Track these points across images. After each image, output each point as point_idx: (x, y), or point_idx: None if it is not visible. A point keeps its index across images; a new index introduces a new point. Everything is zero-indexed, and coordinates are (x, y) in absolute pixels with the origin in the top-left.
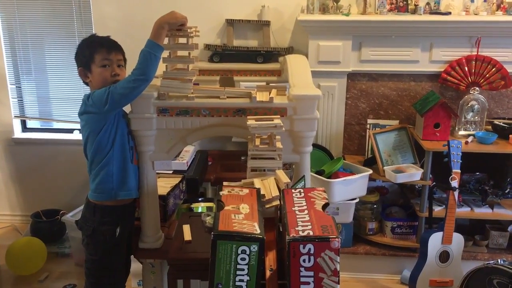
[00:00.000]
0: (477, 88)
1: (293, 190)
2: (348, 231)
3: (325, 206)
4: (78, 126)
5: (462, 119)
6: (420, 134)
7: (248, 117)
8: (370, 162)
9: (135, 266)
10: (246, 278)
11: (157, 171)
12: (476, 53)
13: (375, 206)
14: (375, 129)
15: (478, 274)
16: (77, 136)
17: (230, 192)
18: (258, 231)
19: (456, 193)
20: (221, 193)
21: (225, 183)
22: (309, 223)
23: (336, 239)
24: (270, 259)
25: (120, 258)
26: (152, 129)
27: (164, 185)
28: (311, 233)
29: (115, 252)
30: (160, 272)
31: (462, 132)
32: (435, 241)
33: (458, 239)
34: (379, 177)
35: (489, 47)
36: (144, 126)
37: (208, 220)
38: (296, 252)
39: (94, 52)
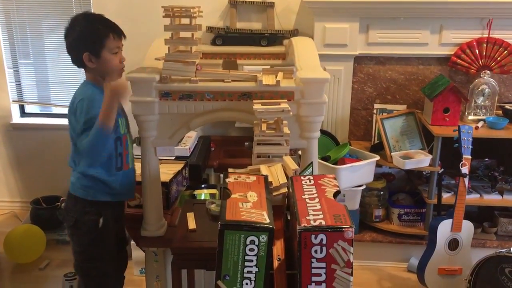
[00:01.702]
0: (488, 72)
1: (302, 177)
2: (354, 218)
3: (336, 194)
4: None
5: (472, 104)
6: (428, 119)
7: (254, 101)
8: (377, 148)
9: (137, 253)
10: (254, 269)
11: (159, 157)
12: (487, 35)
13: (381, 192)
14: (382, 114)
15: (489, 262)
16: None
17: (237, 179)
18: (268, 221)
19: (466, 180)
20: (227, 180)
21: (230, 170)
22: (321, 212)
23: (350, 229)
24: (278, 248)
25: (107, 249)
26: (154, 114)
27: (166, 172)
28: (323, 223)
29: (101, 243)
30: (163, 260)
31: (472, 117)
32: (444, 229)
33: (467, 226)
34: (386, 163)
35: (501, 29)
36: (145, 111)
37: (213, 208)
38: (307, 243)
39: (107, 38)
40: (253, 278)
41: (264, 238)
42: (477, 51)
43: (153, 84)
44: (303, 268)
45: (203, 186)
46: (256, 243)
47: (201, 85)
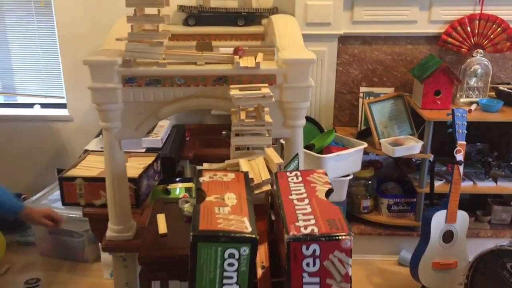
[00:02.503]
0: (480, 51)
1: (288, 174)
2: None
3: (328, 193)
4: (40, 100)
5: (464, 85)
6: (418, 102)
7: (231, 86)
8: (364, 135)
9: (107, 255)
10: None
11: (126, 151)
12: (480, 11)
13: (369, 182)
14: (369, 98)
15: (489, 256)
16: (39, 111)
17: (213, 178)
18: (250, 229)
19: (461, 167)
20: (201, 179)
21: (205, 166)
22: (312, 216)
23: (348, 237)
24: (262, 254)
25: None
26: (117, 102)
27: (135, 166)
28: (316, 230)
29: None
30: (134, 266)
31: (464, 100)
32: (438, 220)
33: (462, 217)
34: (375, 150)
35: (494, 4)
36: (107, 99)
37: (187, 208)
38: (297, 255)
39: None
40: None
41: (245, 250)
42: (469, 28)
43: (115, 68)
44: (293, 284)
45: (177, 179)
46: (237, 256)
47: (171, 68)
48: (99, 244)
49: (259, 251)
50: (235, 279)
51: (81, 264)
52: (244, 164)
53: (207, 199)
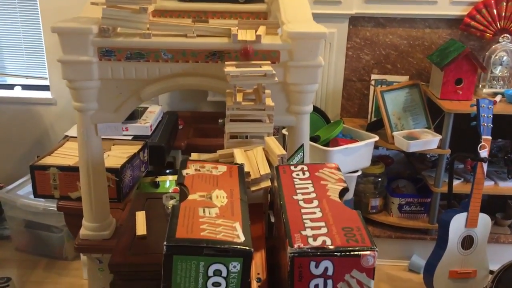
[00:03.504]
0: (507, 36)
1: (292, 168)
2: None
3: (343, 193)
4: (20, 80)
5: (488, 75)
6: (437, 92)
7: (226, 62)
8: (375, 127)
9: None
10: None
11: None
12: None
13: (379, 179)
14: (381, 86)
15: None
16: (20, 93)
17: (199, 170)
18: (242, 239)
19: (485, 166)
20: (184, 172)
21: (193, 156)
22: (323, 223)
23: (370, 252)
24: (258, 264)
25: None
26: (92, 79)
27: (119, 155)
28: (329, 242)
29: None
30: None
31: (487, 90)
32: (457, 224)
33: (484, 221)
34: (387, 144)
35: None
36: (80, 75)
37: (172, 204)
38: (304, 273)
39: None
40: None
41: (236, 266)
42: (495, 11)
43: (90, 38)
44: None
45: (167, 171)
46: (224, 274)
47: (156, 40)
48: None
49: (255, 260)
50: None
51: (59, 262)
52: (239, 155)
53: (190, 197)
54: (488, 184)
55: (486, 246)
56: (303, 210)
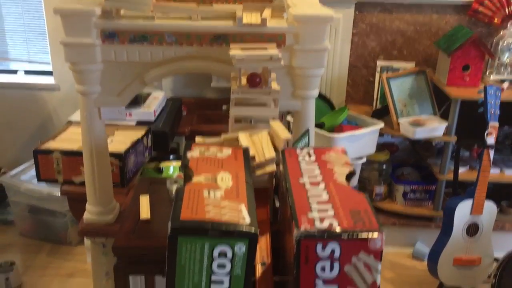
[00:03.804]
0: None
1: (298, 151)
2: None
3: (350, 176)
4: (24, 66)
5: (495, 61)
6: (444, 79)
7: (231, 45)
8: (380, 114)
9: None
10: None
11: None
12: None
13: (384, 166)
14: (386, 73)
15: None
16: (23, 78)
17: (204, 153)
18: (248, 221)
19: (491, 152)
20: (188, 154)
21: (197, 140)
22: (330, 206)
23: (378, 235)
24: (262, 248)
25: None
26: (95, 62)
27: (123, 140)
28: (336, 224)
29: None
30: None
31: (494, 77)
32: (462, 211)
33: (490, 208)
34: (392, 131)
35: None
36: (83, 58)
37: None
38: (310, 256)
39: None
40: None
41: (242, 248)
42: None
43: (93, 20)
44: None
45: (171, 157)
46: (229, 256)
47: (160, 23)
48: None
49: (260, 245)
50: (226, 285)
51: (63, 247)
52: (244, 139)
53: (195, 179)
54: (494, 171)
55: (491, 234)
56: (309, 193)
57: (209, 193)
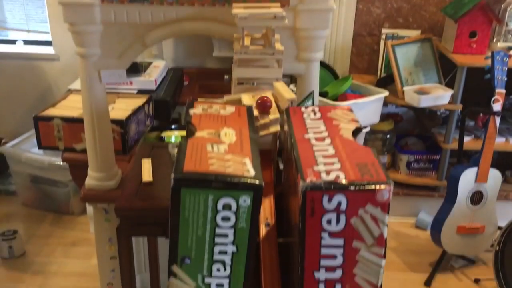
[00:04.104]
0: None
1: (303, 109)
2: None
3: (356, 132)
4: (23, 35)
5: (503, 28)
6: (450, 46)
7: (234, 4)
8: (384, 83)
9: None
10: (231, 248)
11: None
12: None
13: (387, 136)
14: (392, 41)
15: None
16: (22, 48)
17: (206, 110)
18: (252, 173)
19: (497, 120)
20: (191, 111)
21: (200, 99)
22: (337, 159)
23: (386, 186)
24: (266, 209)
25: None
26: (94, 23)
27: (125, 108)
28: (342, 176)
29: None
30: (118, 220)
31: (501, 44)
32: (467, 179)
33: (494, 176)
34: (397, 100)
35: None
36: (81, 18)
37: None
38: (316, 208)
39: None
40: (228, 262)
41: (246, 200)
42: None
43: None
44: (308, 246)
45: (173, 127)
46: (234, 208)
47: None
48: None
49: (263, 206)
50: (231, 238)
51: (66, 217)
52: (247, 100)
53: (197, 134)
54: (500, 140)
55: (495, 202)
56: (315, 148)
57: (212, 147)
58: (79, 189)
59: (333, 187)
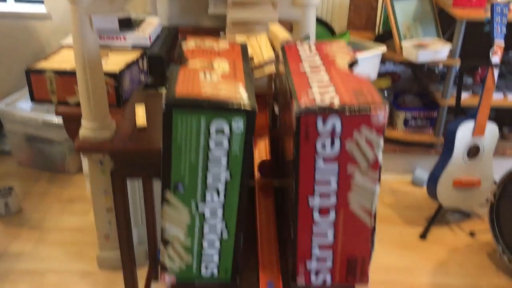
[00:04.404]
0: None
1: (298, 44)
2: None
3: (352, 65)
4: None
5: None
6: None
7: None
8: (382, 39)
9: None
10: (224, 175)
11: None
12: None
13: (385, 93)
14: None
15: None
16: (13, 6)
17: (199, 45)
18: (245, 97)
19: (496, 72)
20: (184, 45)
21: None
22: (331, 85)
23: (381, 109)
24: (261, 151)
25: None
26: None
27: (118, 61)
28: (337, 100)
29: None
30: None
31: None
32: (464, 133)
33: (491, 129)
34: (395, 56)
35: None
36: None
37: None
38: (309, 132)
39: None
40: (222, 189)
41: (239, 124)
42: None
43: None
44: (302, 172)
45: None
46: (227, 132)
47: None
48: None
49: (259, 148)
50: (224, 164)
51: (62, 175)
52: (242, 41)
53: (190, 64)
54: (498, 96)
55: (492, 156)
56: (310, 77)
57: (205, 75)
58: (73, 143)
59: (327, 110)
